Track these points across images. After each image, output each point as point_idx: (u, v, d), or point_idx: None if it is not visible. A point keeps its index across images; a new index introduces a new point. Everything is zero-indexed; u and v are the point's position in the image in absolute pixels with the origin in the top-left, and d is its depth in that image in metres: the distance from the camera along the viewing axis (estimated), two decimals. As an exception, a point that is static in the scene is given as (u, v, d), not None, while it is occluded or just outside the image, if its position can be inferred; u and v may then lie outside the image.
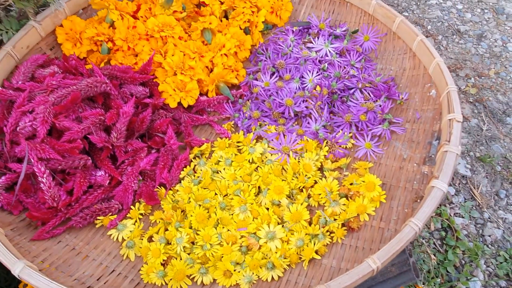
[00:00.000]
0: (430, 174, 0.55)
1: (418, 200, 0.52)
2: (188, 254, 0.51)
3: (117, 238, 0.53)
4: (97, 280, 0.48)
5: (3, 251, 0.43)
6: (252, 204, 0.55)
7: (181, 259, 0.50)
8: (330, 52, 0.72)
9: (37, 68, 0.63)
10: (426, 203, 0.47)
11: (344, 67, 0.70)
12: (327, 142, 0.62)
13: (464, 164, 0.94)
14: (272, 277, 0.48)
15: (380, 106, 0.64)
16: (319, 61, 0.71)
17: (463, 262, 0.83)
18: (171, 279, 0.48)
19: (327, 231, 0.52)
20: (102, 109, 0.59)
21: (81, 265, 0.49)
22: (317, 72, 0.70)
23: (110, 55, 0.67)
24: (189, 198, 0.56)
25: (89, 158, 0.55)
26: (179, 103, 0.64)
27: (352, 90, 0.67)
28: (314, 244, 0.50)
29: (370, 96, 0.66)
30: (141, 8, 0.70)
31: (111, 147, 0.56)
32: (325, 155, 0.61)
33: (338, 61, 0.71)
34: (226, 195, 0.57)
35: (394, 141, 0.62)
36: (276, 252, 0.50)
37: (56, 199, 0.52)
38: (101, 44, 0.67)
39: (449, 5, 1.32)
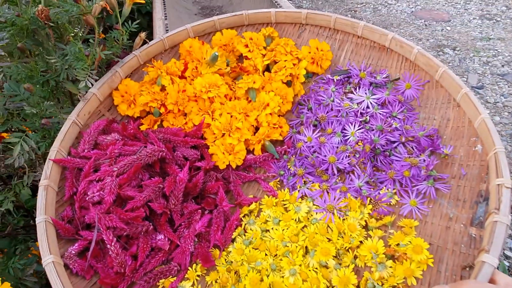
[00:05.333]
0: (478, 238, 0.56)
1: (467, 269, 0.53)
2: (244, 318, 0.55)
3: (177, 300, 0.57)
4: None
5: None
6: (300, 265, 0.58)
7: (237, 324, 0.54)
8: (371, 104, 0.73)
9: (99, 133, 0.69)
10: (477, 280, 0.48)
11: (387, 120, 0.71)
12: (370, 200, 0.64)
13: None
14: None
15: (424, 161, 0.65)
16: (361, 114, 0.73)
17: None
18: None
19: (375, 297, 0.54)
20: (159, 173, 0.64)
21: (148, 329, 0.54)
22: (359, 125, 0.71)
23: (162, 116, 0.72)
24: (242, 259, 0.59)
25: (151, 224, 0.60)
26: (228, 164, 0.68)
27: (395, 144, 0.68)
28: (363, 311, 0.53)
29: (413, 150, 0.67)
30: (188, 68, 0.75)
31: (169, 212, 0.61)
32: (369, 213, 0.63)
33: (380, 113, 0.72)
34: (276, 255, 0.60)
35: (439, 199, 0.63)
36: (326, 320, 0.52)
37: (123, 265, 0.57)
38: (154, 107, 0.72)
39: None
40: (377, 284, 0.55)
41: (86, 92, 0.70)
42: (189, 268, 0.60)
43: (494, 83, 1.35)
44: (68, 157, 0.65)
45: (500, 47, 1.50)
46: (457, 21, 1.64)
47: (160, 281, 0.59)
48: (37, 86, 0.68)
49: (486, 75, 1.39)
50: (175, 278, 0.59)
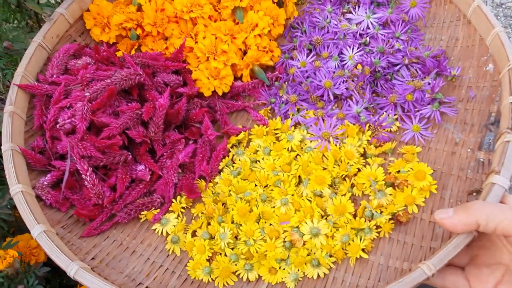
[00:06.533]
0: (487, 162, 0.51)
1: (474, 194, 0.49)
2: (232, 249, 0.51)
3: (161, 232, 0.53)
4: (146, 276, 0.49)
5: (57, 253, 0.44)
6: (293, 195, 0.54)
7: (225, 255, 0.50)
8: (372, 24, 0.66)
9: (70, 58, 0.62)
10: (484, 201, 0.43)
11: (388, 41, 0.64)
12: (369, 126, 0.58)
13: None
14: (318, 275, 0.48)
15: (429, 83, 0.59)
16: (360, 35, 0.65)
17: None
18: (217, 277, 0.48)
19: (374, 225, 0.51)
20: (138, 100, 0.58)
21: (130, 261, 0.51)
22: (358, 47, 0.64)
23: (140, 40, 0.65)
24: (229, 190, 0.55)
25: (129, 153, 0.55)
26: (214, 91, 0.61)
27: (398, 67, 0.62)
28: (361, 239, 0.49)
29: (417, 72, 0.61)
30: (168, -14, 0.66)
31: (149, 142, 0.56)
32: (368, 140, 0.58)
33: (381, 34, 0.65)
34: (266, 186, 0.56)
35: (445, 123, 0.57)
36: (321, 249, 0.49)
37: (101, 196, 0.53)
38: (130, 29, 0.64)
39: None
40: (376, 212, 0.51)
41: (52, 12, 0.62)
42: (173, 200, 0.55)
43: (507, 25, 1.27)
44: (36, 83, 0.58)
45: (516, -12, 1.40)
46: (468, -39, 1.51)
47: (143, 213, 0.54)
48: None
49: (499, 17, 1.31)
50: (158, 210, 0.55)
